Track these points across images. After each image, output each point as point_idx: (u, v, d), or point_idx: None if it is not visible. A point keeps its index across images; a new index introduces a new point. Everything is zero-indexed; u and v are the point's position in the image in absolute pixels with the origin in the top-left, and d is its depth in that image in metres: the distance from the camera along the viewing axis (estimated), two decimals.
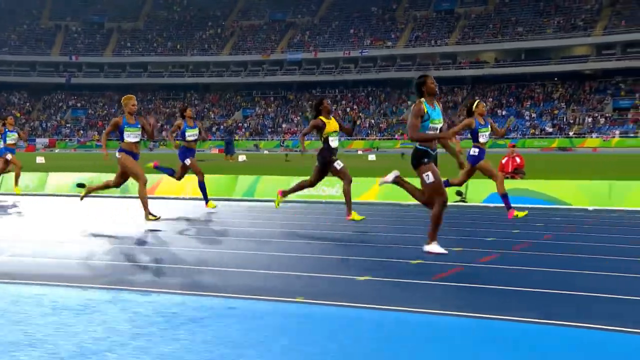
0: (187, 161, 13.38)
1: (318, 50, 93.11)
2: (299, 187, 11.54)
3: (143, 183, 11.11)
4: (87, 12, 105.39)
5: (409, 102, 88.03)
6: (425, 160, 7.88)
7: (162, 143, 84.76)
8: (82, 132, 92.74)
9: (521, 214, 11.64)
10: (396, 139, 77.12)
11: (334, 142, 10.94)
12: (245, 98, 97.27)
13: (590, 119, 74.51)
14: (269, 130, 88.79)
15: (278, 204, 11.74)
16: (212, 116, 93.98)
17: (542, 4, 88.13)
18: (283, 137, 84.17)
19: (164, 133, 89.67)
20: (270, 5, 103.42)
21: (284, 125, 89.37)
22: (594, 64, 79.83)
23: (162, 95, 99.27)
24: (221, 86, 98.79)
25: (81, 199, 12.25)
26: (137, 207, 12.23)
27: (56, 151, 72.28)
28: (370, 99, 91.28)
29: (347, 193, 11.15)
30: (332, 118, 11.11)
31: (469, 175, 11.91)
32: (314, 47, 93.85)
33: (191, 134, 13.54)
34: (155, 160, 13.92)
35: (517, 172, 18.05)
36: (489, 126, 11.95)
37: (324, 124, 10.91)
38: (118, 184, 11.70)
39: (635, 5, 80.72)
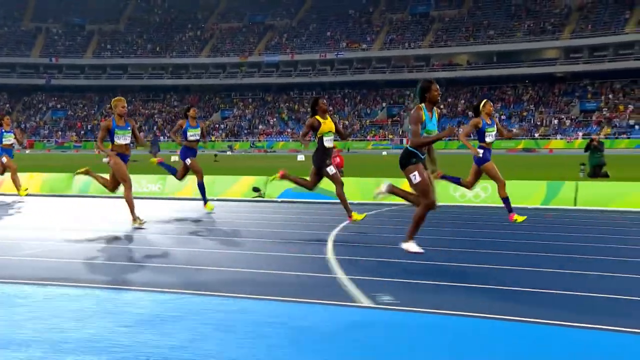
0: (188, 161, 13.41)
1: (295, 52, 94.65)
2: (299, 183, 11.49)
3: (129, 187, 11.18)
4: (68, 14, 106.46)
5: (384, 104, 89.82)
6: (414, 160, 7.95)
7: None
8: (60, 133, 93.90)
9: (520, 218, 11.38)
10: (368, 140, 78.80)
11: (328, 142, 10.90)
12: (225, 100, 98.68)
13: (556, 121, 76.42)
14: (245, 131, 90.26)
15: (273, 179, 12.03)
16: None
17: (513, 8, 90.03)
18: (258, 138, 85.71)
19: (146, 134, 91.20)
20: (250, 8, 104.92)
21: (260, 127, 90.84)
22: (562, 67, 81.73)
23: (142, 96, 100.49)
24: (201, 88, 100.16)
25: (75, 174, 12.27)
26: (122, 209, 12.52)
27: (27, 152, 72.39)
28: (346, 100, 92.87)
29: (340, 196, 11.10)
30: (329, 118, 11.07)
31: (478, 175, 11.53)
32: (291, 49, 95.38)
33: (193, 134, 13.55)
34: (160, 157, 14.14)
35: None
36: (495, 126, 11.56)
37: (320, 123, 10.82)
38: (113, 187, 11.62)
39: (601, 10, 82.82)
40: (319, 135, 10.83)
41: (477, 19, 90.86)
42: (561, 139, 71.37)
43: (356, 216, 11.16)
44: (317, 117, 10.86)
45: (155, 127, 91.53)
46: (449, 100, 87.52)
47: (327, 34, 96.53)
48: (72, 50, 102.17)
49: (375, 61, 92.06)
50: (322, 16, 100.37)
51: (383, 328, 5.17)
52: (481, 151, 11.19)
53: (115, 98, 11.30)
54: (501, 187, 11.31)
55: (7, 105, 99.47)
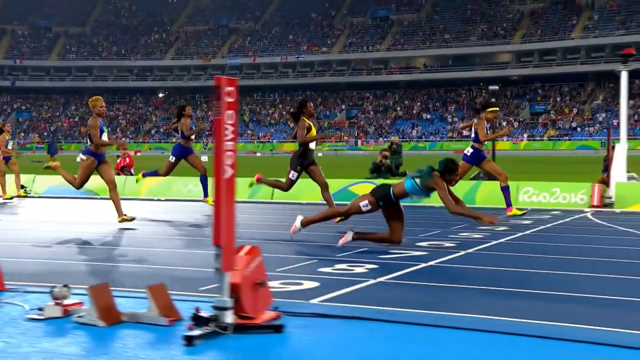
0: (171, 158, 13.61)
1: (257, 55, 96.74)
2: (275, 186, 11.60)
3: (77, 188, 11.32)
4: (34, 16, 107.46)
5: (343, 106, 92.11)
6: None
7: None
8: (22, 134, 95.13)
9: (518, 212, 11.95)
10: (324, 141, 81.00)
11: (312, 144, 10.97)
12: (189, 102, 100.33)
13: (505, 123, 79.18)
14: (206, 133, 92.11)
15: (251, 185, 12.17)
16: (154, 119, 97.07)
17: (469, 12, 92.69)
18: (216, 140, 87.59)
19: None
20: (216, 11, 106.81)
21: None
22: (514, 70, 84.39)
23: (107, 98, 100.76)
24: (166, 90, 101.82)
25: (45, 167, 11.94)
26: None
27: None
28: None
29: (327, 200, 11.21)
30: (311, 121, 11.08)
31: (464, 174, 11.83)
32: (253, 52, 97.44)
33: (192, 133, 13.85)
34: (142, 170, 14.42)
35: (123, 170, 21.47)
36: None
37: (310, 126, 10.81)
38: (80, 185, 11.40)
39: (550, 16, 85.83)
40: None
41: (434, 23, 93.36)
42: (507, 140, 74.08)
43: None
44: (306, 119, 10.86)
45: (118, 129, 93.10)
46: (406, 102, 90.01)
47: (289, 37, 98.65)
48: (37, 52, 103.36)
49: (335, 64, 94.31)
50: (285, 20, 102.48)
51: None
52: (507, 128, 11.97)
53: (93, 98, 11.19)
54: (503, 180, 11.86)
55: None
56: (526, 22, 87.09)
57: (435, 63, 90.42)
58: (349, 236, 8.74)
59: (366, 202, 8.47)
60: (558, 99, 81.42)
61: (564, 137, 73.14)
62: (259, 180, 11.40)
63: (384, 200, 8.44)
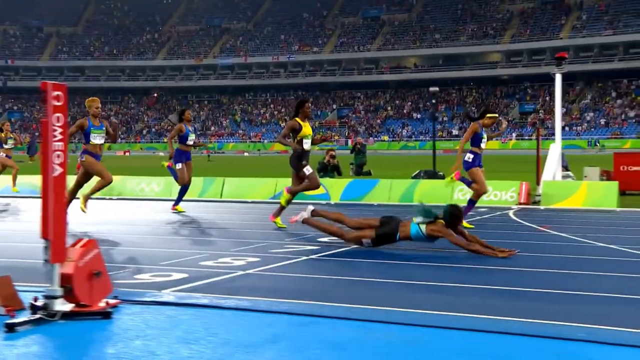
0: (178, 165, 13.27)
1: (248, 55, 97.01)
2: (305, 188, 11.15)
3: (107, 183, 11.31)
4: (26, 16, 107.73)
5: (334, 106, 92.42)
6: None
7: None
8: (14, 134, 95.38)
9: (467, 225, 10.84)
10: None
11: (307, 145, 10.85)
12: (181, 101, 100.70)
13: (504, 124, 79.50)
14: (198, 133, 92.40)
15: (288, 203, 11.29)
16: (146, 119, 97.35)
17: (459, 12, 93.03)
18: (210, 139, 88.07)
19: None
20: (208, 11, 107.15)
21: (212, 128, 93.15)
22: (503, 70, 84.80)
23: (100, 98, 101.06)
24: (158, 90, 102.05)
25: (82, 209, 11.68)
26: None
27: None
28: None
29: (293, 193, 11.06)
30: (307, 122, 11.02)
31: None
32: (244, 52, 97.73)
33: (192, 138, 13.43)
34: (170, 161, 13.65)
35: None
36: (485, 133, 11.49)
37: (301, 126, 10.75)
38: (81, 183, 11.45)
39: (539, 15, 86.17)
40: (298, 138, 10.76)
41: (424, 23, 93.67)
42: (496, 140, 74.33)
43: (277, 221, 11.01)
44: (298, 119, 10.82)
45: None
46: (397, 102, 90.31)
47: (280, 37, 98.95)
48: (29, 52, 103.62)
49: (326, 64, 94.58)
50: (277, 20, 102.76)
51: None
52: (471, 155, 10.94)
53: (89, 98, 11.52)
54: (476, 195, 11.23)
55: None
56: (515, 22, 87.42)
57: (425, 63, 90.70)
58: (303, 215, 9.25)
59: (369, 241, 8.58)
60: (547, 98, 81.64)
61: (553, 136, 72.92)
62: (289, 191, 11.10)
63: (387, 242, 8.60)
